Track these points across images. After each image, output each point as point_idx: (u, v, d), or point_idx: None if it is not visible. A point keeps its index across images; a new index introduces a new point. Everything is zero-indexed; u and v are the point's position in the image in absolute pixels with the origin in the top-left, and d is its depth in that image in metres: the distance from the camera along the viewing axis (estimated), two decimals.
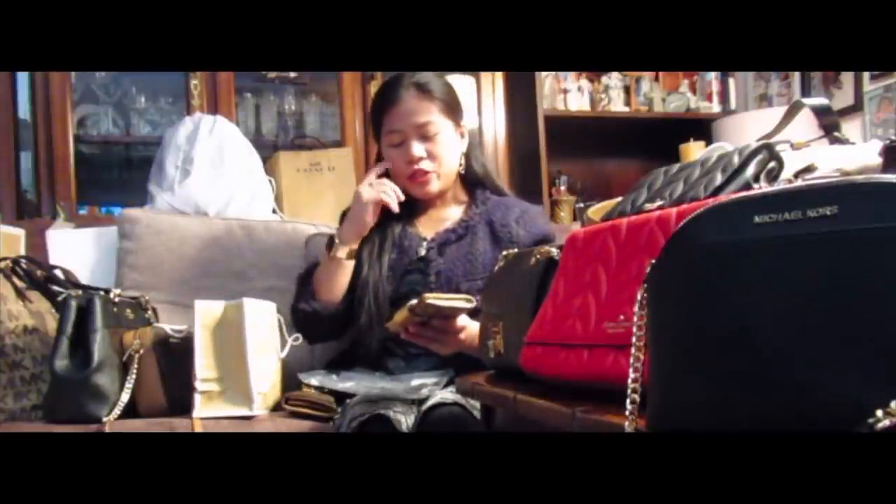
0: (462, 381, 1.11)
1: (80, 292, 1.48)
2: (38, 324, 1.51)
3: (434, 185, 1.56)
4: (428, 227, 1.59)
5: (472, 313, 1.37)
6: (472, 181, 1.62)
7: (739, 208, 0.53)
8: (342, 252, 1.52)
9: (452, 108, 1.56)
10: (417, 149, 1.51)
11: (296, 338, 1.56)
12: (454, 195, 1.62)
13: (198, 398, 1.42)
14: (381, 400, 1.34)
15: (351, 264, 1.53)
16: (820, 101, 0.87)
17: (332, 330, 1.59)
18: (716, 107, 3.22)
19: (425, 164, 1.53)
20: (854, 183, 0.49)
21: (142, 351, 1.45)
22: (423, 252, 1.53)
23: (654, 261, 0.60)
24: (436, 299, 1.26)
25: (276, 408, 1.51)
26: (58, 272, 1.59)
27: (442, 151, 1.53)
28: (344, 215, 1.67)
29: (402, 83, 1.53)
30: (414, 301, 1.26)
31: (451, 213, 1.61)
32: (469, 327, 1.35)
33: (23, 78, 2.44)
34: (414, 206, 1.61)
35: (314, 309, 1.55)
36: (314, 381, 1.46)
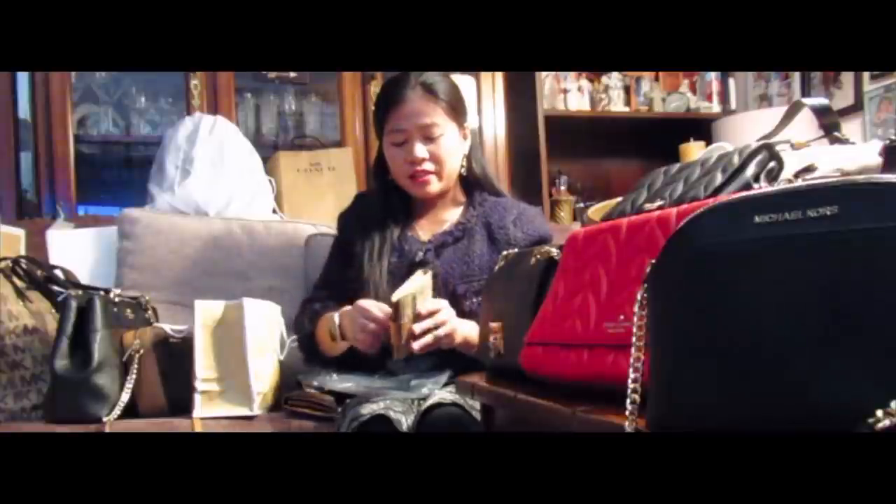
0: (462, 381, 1.11)
1: (80, 292, 1.48)
2: (38, 324, 1.51)
3: (434, 187, 1.55)
4: (426, 230, 1.59)
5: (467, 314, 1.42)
6: (471, 182, 1.62)
7: (739, 208, 0.53)
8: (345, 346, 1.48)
9: (457, 110, 1.55)
10: (420, 150, 1.51)
11: (294, 338, 1.56)
12: (453, 197, 1.62)
13: (198, 398, 1.43)
14: (381, 400, 1.34)
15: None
16: (820, 101, 0.87)
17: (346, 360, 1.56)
18: (716, 107, 3.22)
19: (427, 165, 1.52)
20: (854, 183, 0.49)
21: (142, 351, 1.45)
22: (420, 256, 1.53)
23: (654, 261, 0.59)
24: (402, 292, 1.31)
25: (276, 408, 1.51)
26: (58, 272, 1.60)
27: (444, 153, 1.53)
28: (342, 217, 1.67)
29: (408, 83, 1.51)
30: (392, 312, 1.32)
31: (450, 215, 1.61)
32: (451, 316, 1.39)
33: (23, 78, 2.44)
34: (413, 208, 1.61)
35: (324, 361, 1.54)
36: (314, 382, 1.46)
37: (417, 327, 1.35)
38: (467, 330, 1.39)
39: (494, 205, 1.58)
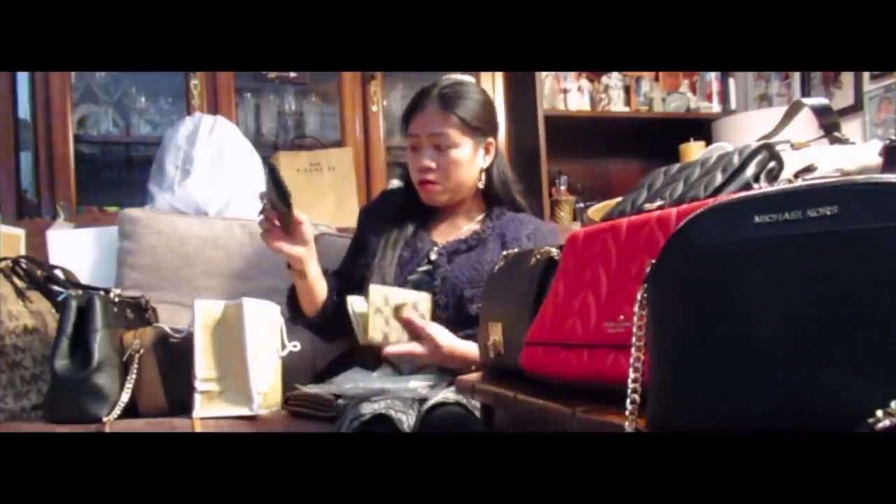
0: (462, 381, 1.11)
1: (80, 292, 1.48)
2: (38, 324, 1.51)
3: (439, 196, 1.58)
4: (442, 234, 1.63)
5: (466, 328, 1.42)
6: (490, 196, 1.63)
7: (739, 208, 0.53)
8: (292, 274, 1.54)
9: (474, 127, 1.56)
10: (427, 158, 1.54)
11: (294, 344, 1.56)
12: (472, 207, 1.65)
13: (198, 398, 1.42)
14: (381, 399, 1.34)
15: (313, 280, 1.54)
16: (820, 101, 0.87)
17: (333, 329, 1.61)
18: (716, 107, 3.21)
19: (431, 175, 1.55)
20: (854, 183, 0.49)
21: (142, 351, 1.45)
22: (433, 256, 1.55)
23: (653, 261, 0.59)
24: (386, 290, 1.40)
25: (276, 408, 1.51)
26: (58, 272, 1.60)
27: (450, 165, 1.54)
28: (363, 211, 1.75)
29: (431, 91, 1.55)
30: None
31: (467, 225, 1.63)
32: (442, 341, 1.40)
33: (23, 78, 2.44)
34: (431, 213, 1.64)
35: (306, 322, 1.61)
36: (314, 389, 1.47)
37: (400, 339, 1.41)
38: (461, 350, 1.41)
39: (512, 218, 1.61)
